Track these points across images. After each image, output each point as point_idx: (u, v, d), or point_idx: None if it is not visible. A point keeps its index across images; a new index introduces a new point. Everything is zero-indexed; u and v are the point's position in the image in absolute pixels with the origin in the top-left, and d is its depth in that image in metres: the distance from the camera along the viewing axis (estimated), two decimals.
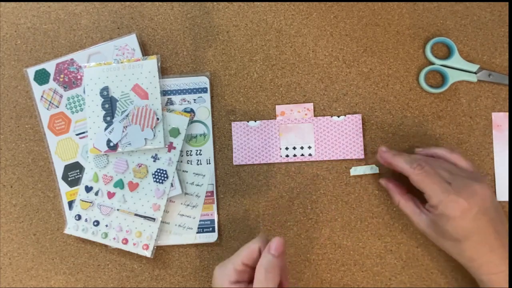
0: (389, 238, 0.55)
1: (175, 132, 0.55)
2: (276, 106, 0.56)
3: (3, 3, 0.58)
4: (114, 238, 0.54)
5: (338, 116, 0.56)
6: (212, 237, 0.55)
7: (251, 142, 0.56)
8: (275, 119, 0.56)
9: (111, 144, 0.54)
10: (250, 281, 0.41)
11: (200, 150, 0.56)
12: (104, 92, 0.55)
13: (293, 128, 0.56)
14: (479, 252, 0.46)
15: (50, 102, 0.56)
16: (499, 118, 0.56)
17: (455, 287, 0.55)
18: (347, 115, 0.56)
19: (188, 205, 0.55)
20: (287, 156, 0.56)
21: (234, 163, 0.56)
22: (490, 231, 0.45)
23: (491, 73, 0.56)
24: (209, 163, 0.56)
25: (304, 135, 0.56)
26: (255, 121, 0.56)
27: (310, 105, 0.56)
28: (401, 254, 0.55)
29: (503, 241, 0.46)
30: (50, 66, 0.56)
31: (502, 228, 0.46)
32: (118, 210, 0.54)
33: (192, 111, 0.56)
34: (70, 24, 0.57)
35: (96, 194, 0.55)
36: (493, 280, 0.46)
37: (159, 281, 0.55)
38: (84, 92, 0.55)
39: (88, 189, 0.55)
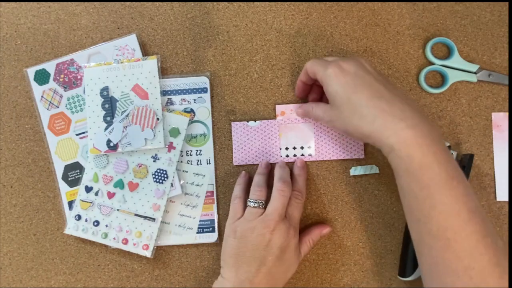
0: (389, 238, 0.55)
1: (175, 132, 0.55)
2: (276, 106, 0.56)
3: (3, 3, 0.58)
4: (114, 238, 0.54)
5: None
6: (212, 237, 0.55)
7: (251, 142, 0.56)
8: (275, 119, 0.56)
9: (111, 144, 0.54)
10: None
11: (200, 150, 0.56)
12: (104, 92, 0.55)
13: (293, 128, 0.56)
14: (374, 106, 0.44)
15: (50, 102, 0.56)
16: (499, 118, 0.56)
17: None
18: None
19: (188, 205, 0.55)
20: (287, 156, 0.56)
21: (234, 164, 0.56)
22: (379, 86, 0.45)
23: (491, 73, 0.56)
24: (209, 163, 0.56)
25: (304, 135, 0.56)
26: (255, 121, 0.56)
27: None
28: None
29: (401, 99, 0.44)
30: (50, 66, 0.56)
31: (394, 88, 0.46)
32: (118, 210, 0.54)
33: (192, 111, 0.56)
34: (70, 24, 0.57)
35: (96, 194, 0.55)
36: (401, 139, 0.42)
37: (159, 281, 0.55)
38: (84, 92, 0.55)
39: (88, 189, 0.55)
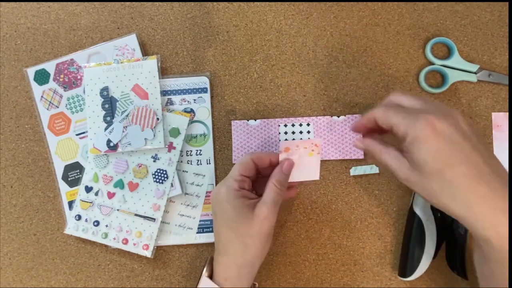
0: (389, 238, 0.55)
1: (175, 132, 0.55)
2: (280, 142, 0.48)
3: (3, 3, 0.58)
4: (114, 238, 0.54)
5: (338, 116, 0.56)
6: (212, 237, 0.55)
7: (251, 141, 0.56)
8: (275, 118, 0.56)
9: (111, 144, 0.54)
10: (249, 189, 0.48)
11: (200, 150, 0.56)
12: (104, 92, 0.55)
13: (299, 163, 0.49)
14: (472, 190, 0.37)
15: (50, 102, 0.56)
16: (499, 118, 0.56)
17: (454, 287, 0.55)
18: (347, 115, 0.56)
19: (188, 205, 0.55)
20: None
21: (234, 162, 0.56)
22: (478, 160, 0.38)
23: (491, 73, 0.56)
24: (209, 163, 0.56)
25: (310, 168, 0.49)
26: (255, 120, 0.56)
27: (319, 141, 0.48)
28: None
29: (502, 179, 0.38)
30: (50, 66, 0.56)
31: (494, 162, 0.39)
32: (118, 210, 0.54)
33: (192, 111, 0.56)
34: (70, 24, 0.57)
35: (96, 194, 0.55)
36: (500, 235, 0.37)
37: (159, 281, 0.55)
38: (84, 92, 0.55)
39: (88, 189, 0.55)
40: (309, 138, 0.52)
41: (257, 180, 0.50)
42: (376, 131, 0.45)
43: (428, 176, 0.39)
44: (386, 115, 0.41)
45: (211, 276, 0.47)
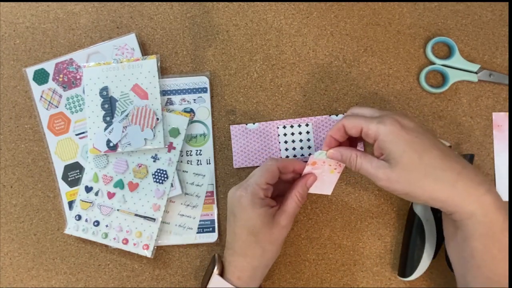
0: (389, 238, 0.55)
1: (175, 132, 0.55)
2: (310, 156, 0.48)
3: (2, 3, 0.57)
4: (114, 238, 0.54)
5: (337, 115, 0.56)
6: (212, 237, 0.55)
7: (251, 145, 0.56)
8: (274, 120, 0.56)
9: (111, 144, 0.54)
10: (272, 196, 0.49)
11: (200, 150, 0.56)
12: (104, 92, 0.55)
13: (319, 178, 0.50)
14: (451, 168, 0.41)
15: (49, 102, 0.56)
16: (500, 118, 0.56)
17: (454, 287, 0.55)
18: (345, 114, 0.56)
19: (188, 205, 0.55)
20: (287, 157, 0.56)
21: (235, 166, 0.56)
22: (442, 145, 0.42)
23: (491, 73, 0.56)
24: (209, 163, 0.56)
25: (325, 185, 0.51)
26: (254, 123, 0.56)
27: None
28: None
29: (462, 158, 0.42)
30: (49, 66, 0.56)
31: (451, 153, 0.42)
32: (118, 210, 0.54)
33: (192, 111, 0.56)
34: (69, 24, 0.57)
35: (96, 194, 0.55)
36: (484, 206, 0.40)
37: (159, 281, 0.56)
38: (83, 92, 0.55)
39: (88, 189, 0.55)
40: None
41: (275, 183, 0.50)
42: (344, 144, 0.48)
43: (407, 167, 0.41)
44: (354, 121, 0.44)
45: (221, 274, 0.48)
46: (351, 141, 0.49)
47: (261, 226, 0.46)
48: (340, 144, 0.48)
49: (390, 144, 0.42)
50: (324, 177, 0.50)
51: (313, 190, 0.50)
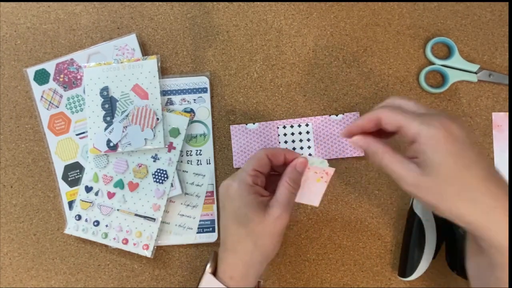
0: (389, 238, 0.55)
1: (175, 132, 0.55)
2: (308, 156, 0.46)
3: (2, 3, 0.58)
4: (114, 238, 0.54)
5: (336, 115, 0.56)
6: (212, 237, 0.55)
7: (251, 145, 0.56)
8: (274, 120, 0.56)
9: (111, 144, 0.54)
10: (262, 185, 0.46)
11: (200, 150, 0.56)
12: (104, 92, 0.55)
13: (304, 186, 0.47)
14: (490, 193, 0.36)
15: (50, 102, 0.56)
16: (499, 118, 0.56)
17: (454, 287, 0.55)
18: (345, 114, 0.56)
19: (188, 205, 0.55)
20: None
21: (235, 166, 0.56)
22: (486, 163, 0.37)
23: (491, 73, 0.56)
24: (209, 163, 0.56)
25: (311, 194, 0.47)
26: (254, 123, 0.56)
27: (331, 170, 0.46)
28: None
29: (504, 182, 0.37)
30: (50, 66, 0.56)
31: (493, 164, 0.39)
32: (118, 210, 0.54)
33: (192, 111, 0.56)
34: (69, 24, 0.57)
35: (96, 194, 0.55)
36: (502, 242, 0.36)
37: (159, 281, 0.55)
38: (84, 92, 0.55)
39: (88, 189, 0.55)
40: (324, 161, 0.46)
41: (270, 177, 0.48)
42: (372, 135, 0.42)
43: (445, 179, 0.36)
44: (394, 115, 0.39)
45: (214, 273, 0.45)
46: (377, 134, 0.43)
47: (251, 217, 0.42)
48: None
49: (430, 151, 0.37)
50: (309, 186, 0.46)
51: (299, 199, 0.47)
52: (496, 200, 0.36)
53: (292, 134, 0.56)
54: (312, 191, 0.47)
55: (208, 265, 0.45)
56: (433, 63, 0.56)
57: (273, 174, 0.48)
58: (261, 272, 0.45)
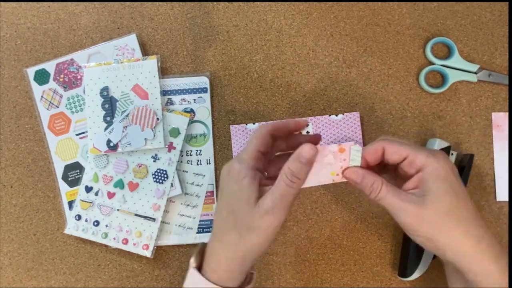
0: (389, 238, 0.55)
1: (175, 132, 0.55)
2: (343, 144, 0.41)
3: (3, 3, 0.58)
4: (114, 238, 0.54)
5: (336, 115, 0.56)
6: None
7: None
8: (274, 120, 0.56)
9: (111, 144, 0.54)
10: (264, 169, 0.42)
11: (200, 150, 0.56)
12: (104, 92, 0.55)
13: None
14: (479, 228, 0.38)
15: (50, 102, 0.56)
16: (499, 118, 0.56)
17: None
18: (345, 114, 0.56)
19: (188, 205, 0.55)
20: None
21: None
22: (472, 206, 0.39)
23: (491, 73, 0.56)
24: (209, 163, 0.56)
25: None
26: (254, 123, 0.56)
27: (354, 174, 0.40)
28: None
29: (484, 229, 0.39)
30: (50, 66, 0.56)
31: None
32: (118, 210, 0.54)
33: (192, 111, 0.56)
34: (70, 24, 0.57)
35: (96, 194, 0.55)
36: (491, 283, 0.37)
37: (159, 281, 0.55)
38: (84, 92, 0.55)
39: (88, 189, 0.55)
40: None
41: (273, 161, 0.43)
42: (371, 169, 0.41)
43: (445, 210, 0.37)
44: (399, 145, 0.39)
45: (201, 265, 0.41)
46: (372, 168, 0.41)
47: (242, 204, 0.38)
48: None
49: (436, 181, 0.37)
50: (317, 169, 0.39)
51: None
52: (485, 232, 0.38)
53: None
54: (314, 174, 0.39)
55: (192, 259, 0.41)
56: (433, 63, 0.57)
57: (276, 157, 0.43)
58: (248, 268, 0.41)
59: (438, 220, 0.37)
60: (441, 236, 0.38)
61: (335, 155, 0.39)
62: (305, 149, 0.38)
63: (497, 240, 0.40)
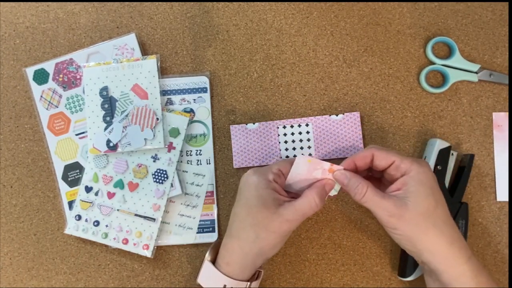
0: (389, 238, 0.55)
1: (175, 132, 0.55)
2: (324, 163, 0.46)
3: (2, 3, 0.57)
4: (114, 238, 0.54)
5: (337, 115, 0.56)
6: (212, 237, 0.55)
7: (251, 145, 0.56)
8: (274, 120, 0.56)
9: (111, 144, 0.54)
10: (281, 185, 0.47)
11: (200, 150, 0.56)
12: (104, 92, 0.55)
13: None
14: (453, 229, 0.43)
15: (49, 102, 0.56)
16: (500, 118, 0.56)
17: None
18: (345, 113, 0.56)
19: (188, 205, 0.55)
20: (287, 157, 0.56)
21: (235, 167, 0.56)
22: (447, 209, 0.44)
23: (492, 73, 0.56)
24: (209, 163, 0.56)
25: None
26: (254, 123, 0.56)
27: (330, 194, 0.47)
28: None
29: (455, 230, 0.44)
30: (49, 66, 0.56)
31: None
32: (118, 210, 0.54)
33: (192, 111, 0.56)
34: (69, 24, 0.57)
35: (96, 194, 0.55)
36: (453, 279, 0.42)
37: (159, 281, 0.56)
38: (83, 92, 0.55)
39: (88, 189, 0.55)
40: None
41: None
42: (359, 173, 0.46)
43: (425, 212, 0.42)
44: (386, 152, 0.45)
45: (214, 260, 0.47)
46: (361, 173, 0.47)
47: (261, 209, 0.44)
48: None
49: (418, 184, 0.42)
50: (307, 178, 0.47)
51: (289, 179, 0.47)
52: (458, 234, 0.43)
53: (292, 134, 0.56)
54: (303, 181, 0.47)
55: (208, 252, 0.48)
56: (433, 63, 0.56)
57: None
58: (258, 265, 0.47)
59: (417, 220, 0.42)
60: (419, 235, 0.42)
61: (324, 172, 0.46)
62: (329, 182, 0.47)
63: (468, 245, 0.44)
